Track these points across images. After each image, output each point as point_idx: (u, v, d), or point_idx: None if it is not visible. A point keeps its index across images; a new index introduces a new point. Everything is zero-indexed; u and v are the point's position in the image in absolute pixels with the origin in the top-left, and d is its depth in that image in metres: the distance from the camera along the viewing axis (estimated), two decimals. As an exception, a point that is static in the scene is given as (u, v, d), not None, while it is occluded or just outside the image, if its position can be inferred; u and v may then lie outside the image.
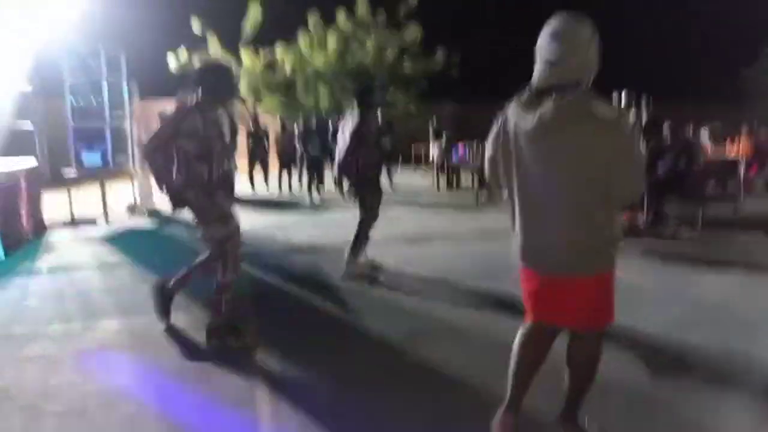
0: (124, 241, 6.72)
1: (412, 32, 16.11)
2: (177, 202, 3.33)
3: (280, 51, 16.18)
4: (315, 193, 10.38)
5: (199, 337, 3.47)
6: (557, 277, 2.10)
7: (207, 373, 3.06)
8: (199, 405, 2.72)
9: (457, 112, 16.75)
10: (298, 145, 11.93)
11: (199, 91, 3.31)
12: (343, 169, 4.72)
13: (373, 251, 5.31)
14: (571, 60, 1.96)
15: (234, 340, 3.40)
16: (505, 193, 2.25)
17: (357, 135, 4.59)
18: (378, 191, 5.03)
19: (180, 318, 3.89)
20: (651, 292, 4.29)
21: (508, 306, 3.95)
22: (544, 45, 2.00)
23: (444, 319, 3.81)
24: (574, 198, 2.00)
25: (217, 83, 3.34)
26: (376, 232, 6.58)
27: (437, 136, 12.53)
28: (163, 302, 3.67)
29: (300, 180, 12.00)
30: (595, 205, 2.00)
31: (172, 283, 3.64)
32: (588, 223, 2.01)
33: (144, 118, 9.61)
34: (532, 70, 2.08)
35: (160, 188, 3.33)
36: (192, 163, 3.26)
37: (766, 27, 21.30)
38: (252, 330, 3.58)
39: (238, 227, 3.50)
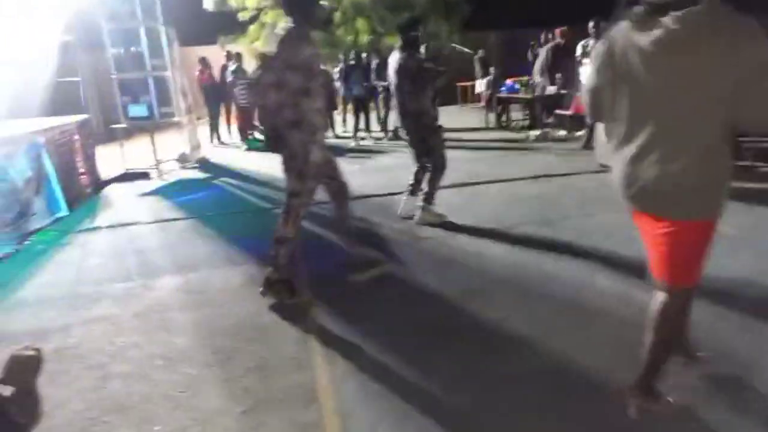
0: (176, 193, 6.84)
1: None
2: (277, 142, 3.21)
3: (316, -17, 15.57)
4: (361, 135, 10.12)
5: (255, 293, 3.51)
6: (666, 219, 1.89)
7: (263, 330, 3.10)
8: (255, 366, 2.77)
9: (504, 42, 15.87)
10: (339, 85, 11.64)
11: (292, 18, 3.12)
12: (408, 115, 4.52)
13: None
14: None
15: (288, 296, 3.39)
16: (607, 128, 2.06)
17: (418, 76, 4.31)
18: (442, 133, 4.78)
19: (237, 272, 3.96)
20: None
21: (566, 257, 3.80)
22: None
23: (499, 274, 3.69)
24: (704, 126, 1.79)
25: (310, 6, 3.17)
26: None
27: (484, 69, 11.97)
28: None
29: (344, 121, 11.82)
30: (722, 137, 1.79)
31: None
32: (714, 156, 1.82)
33: (185, 66, 9.54)
34: None
35: (264, 128, 3.25)
36: (299, 100, 3.07)
37: None
38: (306, 285, 3.58)
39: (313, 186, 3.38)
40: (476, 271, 3.74)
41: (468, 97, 15.23)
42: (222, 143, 11.06)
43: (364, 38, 15.33)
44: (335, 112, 11.28)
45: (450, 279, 3.64)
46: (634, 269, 3.49)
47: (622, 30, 1.90)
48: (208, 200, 6.42)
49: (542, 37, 11.08)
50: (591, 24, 7.59)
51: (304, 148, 3.16)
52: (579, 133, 8.29)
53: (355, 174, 7.26)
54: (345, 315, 3.23)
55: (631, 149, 1.91)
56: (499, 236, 4.39)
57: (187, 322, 3.30)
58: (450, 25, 15.95)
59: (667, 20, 1.73)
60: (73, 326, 3.30)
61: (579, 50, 7.84)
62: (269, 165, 8.19)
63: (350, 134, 11.37)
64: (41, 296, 3.80)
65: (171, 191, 7.00)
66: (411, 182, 5.11)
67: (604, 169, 6.35)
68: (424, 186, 4.83)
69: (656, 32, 1.76)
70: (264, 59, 3.37)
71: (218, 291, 3.70)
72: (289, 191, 3.29)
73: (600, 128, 6.31)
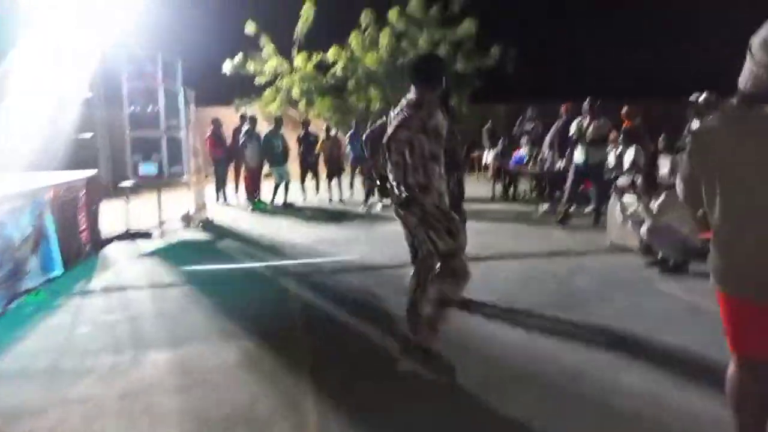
0: (178, 255, 6.65)
1: (466, 27, 15.58)
2: (407, 204, 3.17)
3: (332, 52, 16.05)
4: (374, 201, 9.99)
5: (251, 374, 3.24)
6: None
7: (259, 425, 2.80)
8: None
9: (514, 114, 16.13)
10: (348, 150, 11.69)
11: (420, 85, 3.17)
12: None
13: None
14: None
15: (436, 365, 3.19)
16: (701, 212, 2.08)
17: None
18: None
19: (232, 348, 3.69)
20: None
21: (588, 348, 3.52)
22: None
23: (518, 366, 3.39)
24: None
25: (439, 77, 3.23)
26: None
27: (492, 139, 12.05)
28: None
29: (351, 186, 11.78)
30: None
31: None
32: None
33: (199, 126, 9.63)
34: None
35: (399, 189, 3.17)
36: (428, 163, 3.09)
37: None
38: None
39: (465, 242, 3.32)
40: (494, 362, 3.45)
41: (477, 164, 15.29)
42: (227, 203, 11.00)
43: (376, 105, 15.64)
44: (342, 175, 11.26)
45: (465, 369, 3.34)
46: (663, 365, 3.24)
47: (717, 122, 1.98)
48: (209, 264, 6.22)
49: (528, 111, 11.20)
50: (586, 103, 7.67)
51: (439, 209, 3.16)
52: (587, 209, 8.19)
53: (361, 242, 7.11)
54: (349, 406, 2.94)
55: (735, 238, 1.91)
56: (517, 320, 4.12)
57: (175, 408, 3.00)
58: (460, 97, 16.30)
59: (756, 113, 1.76)
60: (51, 407, 3.01)
61: (573, 128, 7.83)
62: (274, 228, 8.11)
63: (353, 197, 11.36)
64: (21, 368, 3.53)
65: (172, 253, 6.82)
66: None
67: (617, 248, 6.22)
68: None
69: (757, 121, 1.80)
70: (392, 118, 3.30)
71: (211, 370, 3.42)
72: (444, 251, 3.14)
73: (612, 206, 6.18)
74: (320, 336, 4.00)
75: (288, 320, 4.30)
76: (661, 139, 7.73)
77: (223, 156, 11.07)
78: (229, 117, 14.62)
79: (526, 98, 14.01)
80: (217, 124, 10.98)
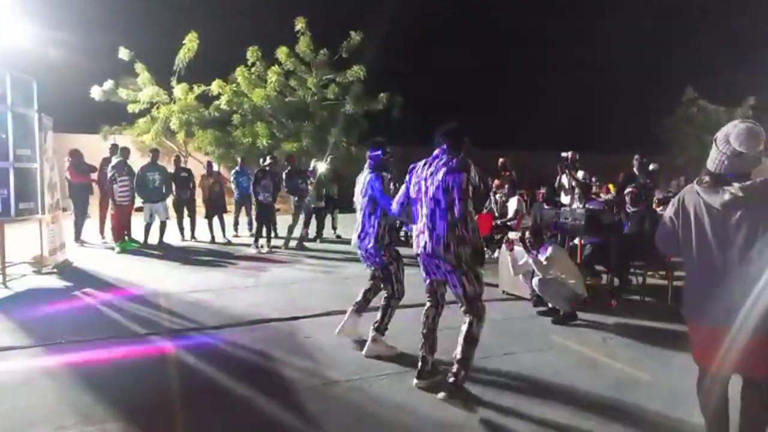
0: (23, 309, 5.60)
1: (355, 71, 15.83)
2: (470, 258, 3.49)
3: (216, 85, 15.36)
4: (262, 243, 9.39)
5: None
6: (748, 333, 2.37)
7: None
8: None
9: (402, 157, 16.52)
10: (234, 189, 11.04)
11: (453, 146, 3.55)
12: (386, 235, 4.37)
13: (332, 322, 4.61)
14: (754, 154, 2.43)
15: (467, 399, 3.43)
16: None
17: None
18: (401, 258, 4.44)
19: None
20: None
21: (498, 411, 3.37)
22: (737, 140, 2.44)
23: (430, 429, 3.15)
24: (758, 260, 2.38)
25: (461, 139, 3.61)
26: (332, 298, 5.92)
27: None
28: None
29: (235, 225, 11.09)
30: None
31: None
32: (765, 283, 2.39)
33: (58, 156, 8.46)
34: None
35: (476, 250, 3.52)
36: (471, 218, 3.48)
37: (685, 76, 22.94)
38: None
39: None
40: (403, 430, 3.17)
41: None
42: (83, 243, 9.68)
43: (264, 141, 15.14)
44: (224, 214, 10.55)
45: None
46: (582, 423, 3.17)
47: (690, 191, 2.61)
48: (65, 320, 5.29)
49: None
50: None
51: (472, 256, 3.50)
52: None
53: (250, 290, 6.54)
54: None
55: (710, 282, 2.50)
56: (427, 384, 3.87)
57: None
58: (349, 137, 16.39)
59: (733, 188, 2.41)
60: None
61: None
62: (146, 274, 7.20)
63: (238, 237, 10.66)
64: None
65: (16, 305, 5.74)
66: (358, 300, 4.62)
67: (510, 297, 6.34)
68: (379, 314, 4.38)
69: (724, 195, 2.44)
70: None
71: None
72: (473, 295, 3.52)
73: (503, 258, 6.32)
74: (201, 412, 3.43)
75: (161, 394, 3.65)
76: (543, 191, 8.22)
77: (85, 186, 9.75)
78: (95, 145, 13.25)
79: (414, 143, 14.40)
80: (76, 156, 9.61)
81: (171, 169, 10.18)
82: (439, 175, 3.48)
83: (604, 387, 3.81)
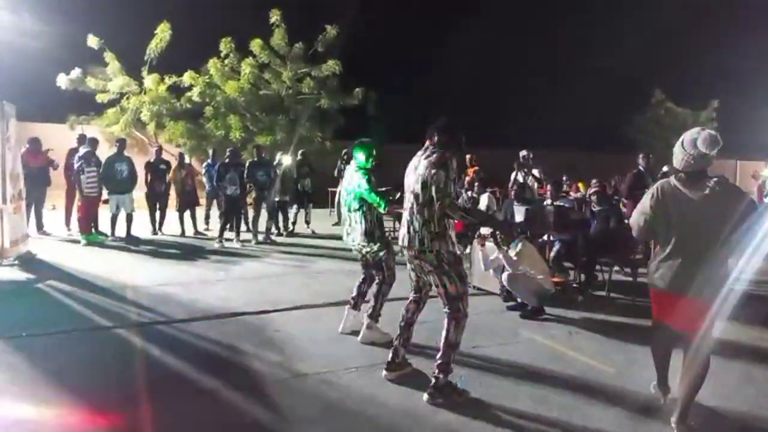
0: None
1: (330, 65, 15.73)
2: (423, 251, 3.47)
3: (188, 76, 15.09)
4: (231, 238, 9.27)
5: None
6: (693, 299, 3.04)
7: None
8: None
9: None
10: (206, 182, 10.88)
11: (444, 141, 3.51)
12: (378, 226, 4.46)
13: (303, 316, 4.60)
14: (713, 155, 3.07)
15: (458, 396, 3.45)
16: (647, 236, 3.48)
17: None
18: (393, 247, 4.51)
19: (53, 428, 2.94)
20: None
21: (467, 406, 3.41)
22: (703, 144, 3.04)
23: (395, 427, 3.17)
24: (719, 242, 3.01)
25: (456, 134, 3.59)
26: (303, 292, 5.91)
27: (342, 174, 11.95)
28: None
29: (206, 218, 10.94)
30: (726, 248, 3.03)
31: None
32: (725, 261, 3.06)
33: (21, 145, 8.20)
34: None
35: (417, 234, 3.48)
36: (447, 216, 3.46)
37: (655, 75, 23.49)
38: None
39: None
40: (370, 426, 3.19)
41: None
42: (47, 234, 9.41)
43: (236, 135, 14.94)
44: (196, 207, 10.38)
45: (339, 435, 3.04)
46: (545, 422, 3.21)
47: (668, 184, 3.20)
48: (26, 313, 5.15)
49: None
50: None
51: (453, 254, 3.48)
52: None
53: (220, 283, 6.47)
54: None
55: (677, 260, 3.13)
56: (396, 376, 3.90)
57: None
58: (323, 132, 16.30)
59: (710, 183, 3.05)
60: None
61: None
62: (113, 267, 7.05)
63: (209, 230, 10.53)
64: None
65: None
66: (353, 295, 4.71)
67: (481, 292, 6.42)
68: (371, 301, 4.51)
69: (704, 190, 3.06)
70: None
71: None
72: (454, 295, 3.48)
73: (474, 253, 6.40)
74: (166, 405, 3.39)
75: (127, 387, 3.60)
76: (512, 187, 8.34)
77: (44, 171, 9.37)
78: (62, 135, 12.89)
79: (389, 140, 14.44)
80: (35, 143, 9.24)
81: (146, 159, 9.97)
82: (421, 169, 3.48)
83: (568, 379, 3.90)
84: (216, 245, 9.01)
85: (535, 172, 9.76)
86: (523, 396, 3.58)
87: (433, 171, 3.39)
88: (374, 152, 4.44)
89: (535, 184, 9.67)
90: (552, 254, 6.59)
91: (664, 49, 24.23)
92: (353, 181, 4.40)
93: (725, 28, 23.21)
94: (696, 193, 3.06)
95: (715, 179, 3.07)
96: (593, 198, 6.97)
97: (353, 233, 4.45)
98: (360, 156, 4.43)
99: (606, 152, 20.59)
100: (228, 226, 9.36)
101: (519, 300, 5.53)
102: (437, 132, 3.54)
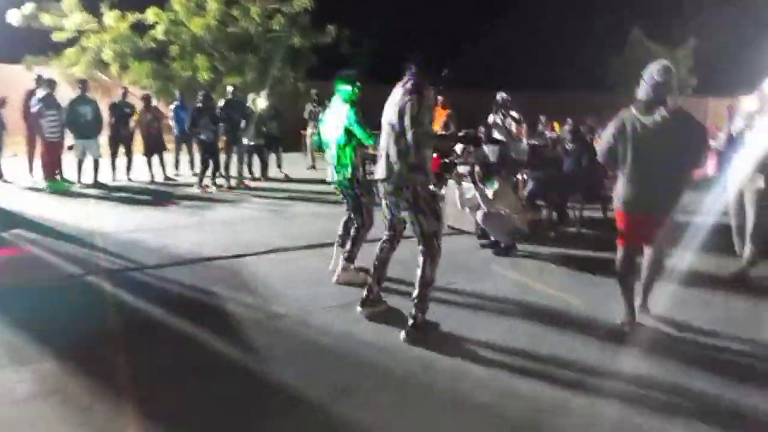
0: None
1: (302, 2, 15.02)
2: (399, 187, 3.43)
3: (151, 13, 14.27)
4: (207, 183, 9.08)
5: (50, 413, 2.58)
6: (652, 215, 3.50)
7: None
8: None
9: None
10: (174, 126, 10.55)
11: (422, 74, 3.42)
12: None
13: (278, 259, 4.58)
14: (672, 84, 3.42)
15: (434, 330, 3.54)
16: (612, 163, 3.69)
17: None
18: (372, 190, 4.45)
19: (26, 376, 2.93)
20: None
21: (441, 341, 3.49)
22: (657, 74, 3.41)
23: (374, 363, 3.23)
24: (674, 164, 3.41)
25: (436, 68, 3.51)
26: (279, 236, 5.87)
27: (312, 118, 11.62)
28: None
29: (176, 163, 10.68)
30: (679, 171, 3.48)
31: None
32: (679, 181, 3.49)
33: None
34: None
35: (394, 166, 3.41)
36: (424, 145, 3.38)
37: (634, 15, 23.15)
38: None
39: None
40: (346, 361, 3.25)
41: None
42: (6, 181, 9.10)
43: (204, 75, 14.37)
44: (164, 152, 10.10)
45: (312, 372, 3.09)
46: (513, 352, 3.31)
47: (629, 113, 3.52)
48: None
49: None
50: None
51: (429, 191, 3.44)
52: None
53: (192, 229, 6.39)
54: (184, 422, 2.50)
55: (636, 180, 3.49)
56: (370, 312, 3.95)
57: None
58: (296, 72, 15.78)
59: (663, 111, 3.39)
60: None
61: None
62: (80, 215, 6.88)
63: (179, 176, 10.31)
64: None
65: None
66: (340, 233, 4.74)
67: (454, 231, 6.47)
68: (348, 244, 4.53)
69: (656, 116, 3.40)
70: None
71: (-4, 405, 2.67)
72: (430, 233, 3.45)
73: (451, 192, 6.41)
74: (139, 350, 3.39)
75: (100, 334, 3.57)
76: (482, 129, 8.26)
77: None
78: (17, 76, 12.22)
79: (365, 79, 14.07)
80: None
81: (110, 102, 9.56)
82: (397, 98, 3.43)
83: (537, 311, 4.02)
84: (196, 190, 8.85)
85: (514, 113, 9.64)
86: (493, 329, 3.68)
87: (407, 98, 3.32)
88: (359, 84, 4.31)
89: (513, 125, 9.59)
90: (525, 192, 6.63)
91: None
92: (340, 115, 4.27)
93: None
94: (651, 119, 3.39)
95: (670, 108, 3.35)
96: (567, 136, 6.98)
97: (343, 170, 4.33)
98: (345, 88, 4.30)
99: (587, 92, 20.48)
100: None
101: (492, 238, 5.60)
102: (414, 62, 3.46)
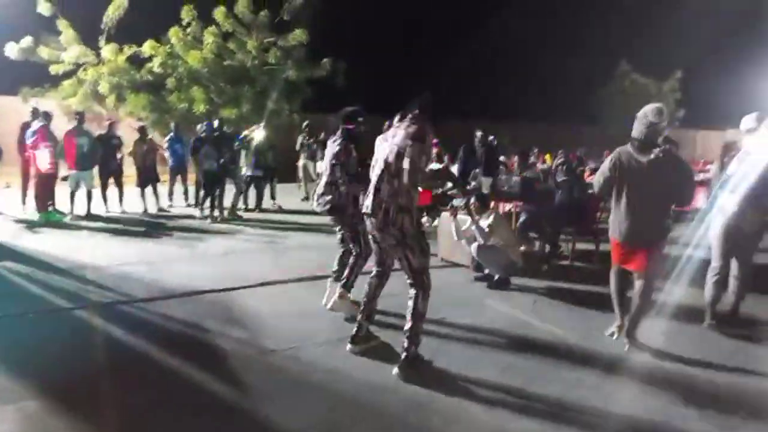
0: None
1: (297, 35, 15.31)
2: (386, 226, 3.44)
3: (148, 46, 14.50)
4: (208, 212, 9.06)
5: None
6: (643, 246, 3.83)
7: None
8: None
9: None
10: (168, 157, 10.59)
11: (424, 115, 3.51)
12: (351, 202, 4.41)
13: (270, 292, 4.55)
14: (664, 125, 3.77)
15: (427, 367, 3.51)
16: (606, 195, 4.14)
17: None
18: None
19: (7, 416, 2.86)
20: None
21: (434, 377, 3.45)
22: (651, 115, 3.73)
23: (360, 400, 3.19)
24: (661, 202, 3.81)
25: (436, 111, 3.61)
26: (272, 268, 5.84)
27: (323, 150, 11.80)
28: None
29: (170, 194, 10.68)
30: (667, 207, 3.93)
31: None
32: (663, 217, 3.85)
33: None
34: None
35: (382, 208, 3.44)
36: (415, 190, 3.44)
37: (619, 48, 23.68)
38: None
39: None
40: (336, 399, 3.19)
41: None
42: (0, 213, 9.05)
43: (200, 107, 14.51)
44: (158, 183, 10.11)
45: (302, 410, 3.04)
46: (507, 390, 3.27)
47: (625, 150, 3.86)
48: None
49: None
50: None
51: (416, 228, 3.48)
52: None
53: (185, 261, 6.35)
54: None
55: (629, 214, 3.83)
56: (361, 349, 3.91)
57: None
58: (291, 105, 15.97)
59: (655, 150, 3.73)
60: None
61: None
62: (73, 246, 6.83)
63: (173, 207, 10.30)
64: None
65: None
66: (335, 268, 4.72)
67: (447, 264, 6.45)
68: (346, 271, 4.53)
69: (650, 155, 3.73)
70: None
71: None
72: (418, 268, 3.49)
73: (446, 225, 6.43)
74: (132, 386, 3.33)
75: (89, 369, 3.51)
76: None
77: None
78: (14, 108, 12.31)
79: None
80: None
81: (98, 134, 9.59)
82: (398, 139, 3.44)
83: (532, 347, 3.99)
84: (198, 214, 9.02)
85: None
86: (487, 365, 3.65)
87: (409, 142, 3.36)
88: (360, 120, 4.43)
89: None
90: (518, 224, 6.66)
91: (630, 19, 24.35)
92: (334, 152, 4.37)
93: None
94: (645, 158, 3.74)
95: (662, 148, 3.72)
96: (559, 169, 7.05)
97: (328, 204, 4.42)
98: (346, 129, 4.40)
99: (572, 124, 20.81)
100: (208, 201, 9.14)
101: (486, 271, 5.59)
102: (420, 106, 3.52)
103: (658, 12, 24.07)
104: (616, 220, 3.92)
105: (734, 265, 4.46)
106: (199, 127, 9.79)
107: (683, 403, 3.20)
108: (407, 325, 3.49)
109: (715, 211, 4.45)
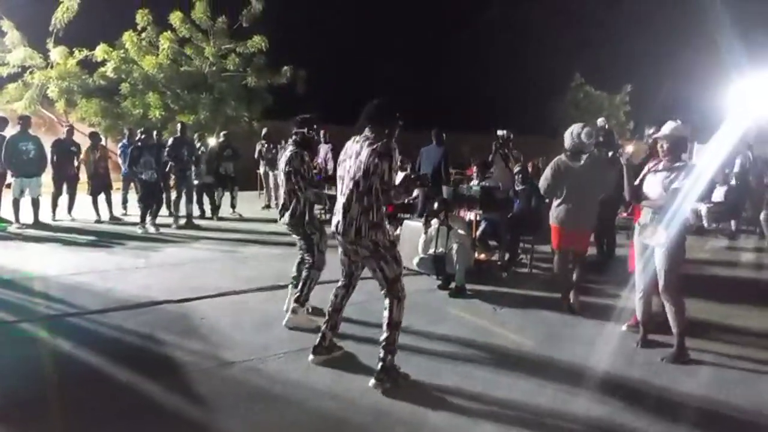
0: None
1: (257, 42, 15.15)
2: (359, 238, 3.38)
3: (100, 50, 14.04)
4: (149, 224, 8.73)
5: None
6: (579, 231, 4.97)
7: None
8: None
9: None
10: (121, 164, 10.25)
11: (380, 123, 3.40)
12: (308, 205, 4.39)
13: (228, 302, 4.44)
14: (591, 141, 4.97)
15: (403, 380, 3.48)
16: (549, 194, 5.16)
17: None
18: (324, 229, 4.44)
19: None
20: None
21: (400, 386, 3.44)
22: (581, 131, 4.96)
23: (323, 412, 3.14)
24: (594, 197, 4.98)
25: (392, 114, 3.47)
26: (230, 278, 5.71)
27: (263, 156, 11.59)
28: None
29: (124, 203, 10.33)
30: (596, 199, 5.04)
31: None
32: (595, 207, 5.04)
33: None
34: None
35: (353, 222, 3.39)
36: (380, 197, 3.36)
37: (574, 59, 24.47)
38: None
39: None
40: (298, 410, 3.14)
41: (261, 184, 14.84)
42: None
43: (156, 113, 14.13)
44: (111, 191, 9.76)
45: (261, 422, 2.98)
46: (470, 397, 3.29)
47: (561, 158, 5.02)
48: None
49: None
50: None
51: (389, 239, 3.46)
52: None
53: (139, 271, 6.14)
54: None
55: (568, 206, 4.91)
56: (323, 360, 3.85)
57: None
58: (251, 112, 15.76)
59: (585, 157, 4.96)
60: None
61: None
62: (19, 256, 6.51)
63: (127, 215, 9.98)
64: None
65: None
66: (293, 274, 4.66)
67: (409, 272, 6.46)
68: (299, 285, 4.45)
69: (582, 162, 4.94)
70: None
71: None
72: (392, 278, 3.47)
73: (405, 235, 6.46)
74: (81, 402, 3.18)
75: (35, 386, 3.35)
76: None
77: None
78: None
79: (320, 119, 14.18)
80: None
81: (52, 139, 9.19)
82: (363, 156, 3.32)
83: (492, 353, 4.04)
84: (139, 231, 8.48)
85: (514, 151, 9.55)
86: (449, 373, 3.67)
87: (377, 161, 3.26)
88: (312, 131, 4.43)
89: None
90: (478, 233, 6.76)
91: (582, 32, 25.21)
92: (287, 159, 4.34)
93: (639, 13, 24.49)
94: (577, 164, 4.93)
95: (589, 154, 4.94)
96: (517, 178, 7.19)
97: (286, 213, 4.37)
98: (297, 134, 4.37)
99: (535, 134, 21.27)
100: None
101: (445, 278, 5.65)
102: (371, 114, 3.41)
103: (612, 25, 25.00)
104: (556, 210, 4.98)
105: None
106: (138, 135, 9.40)
107: (641, 407, 3.29)
108: (383, 335, 3.45)
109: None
